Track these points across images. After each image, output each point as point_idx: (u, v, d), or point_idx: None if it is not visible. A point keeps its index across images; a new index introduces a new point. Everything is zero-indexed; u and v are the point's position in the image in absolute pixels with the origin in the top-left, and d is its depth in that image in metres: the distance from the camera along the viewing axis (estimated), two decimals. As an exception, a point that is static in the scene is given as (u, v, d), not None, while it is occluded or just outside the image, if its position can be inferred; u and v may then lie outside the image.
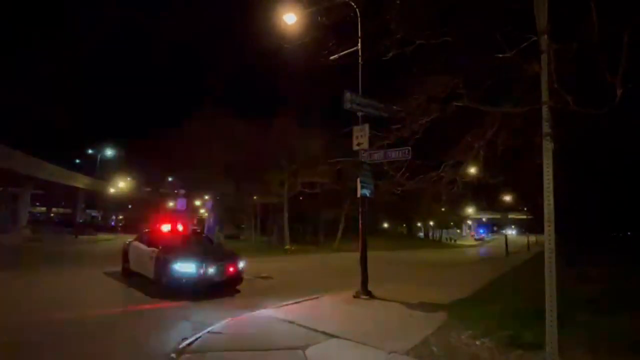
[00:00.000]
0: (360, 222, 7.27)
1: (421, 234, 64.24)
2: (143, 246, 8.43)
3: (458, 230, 75.67)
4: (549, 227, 3.47)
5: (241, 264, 7.91)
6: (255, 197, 30.64)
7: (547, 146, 3.52)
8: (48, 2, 64.14)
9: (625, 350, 3.87)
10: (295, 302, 6.41)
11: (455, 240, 63.67)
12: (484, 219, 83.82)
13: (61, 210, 57.38)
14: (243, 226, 39.17)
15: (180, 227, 9.12)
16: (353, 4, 7.47)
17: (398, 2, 6.43)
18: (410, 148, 6.96)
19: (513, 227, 67.34)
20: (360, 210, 7.29)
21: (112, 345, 4.40)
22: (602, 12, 3.97)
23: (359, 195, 7.18)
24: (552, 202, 3.47)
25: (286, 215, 27.61)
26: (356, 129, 7.23)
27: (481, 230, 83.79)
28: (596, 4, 3.94)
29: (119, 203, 51.37)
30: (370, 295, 6.85)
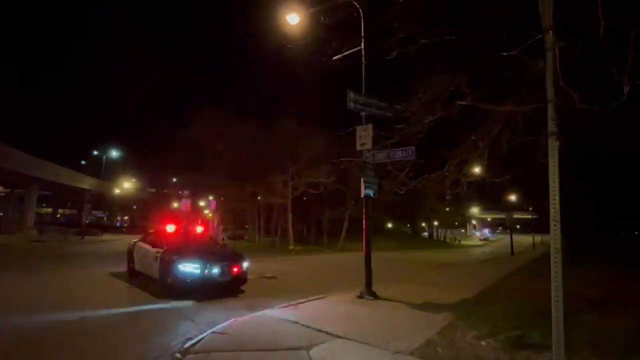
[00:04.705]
0: (364, 222, 7.25)
1: (425, 234, 64.02)
2: (148, 247, 8.47)
3: (462, 230, 75.33)
4: (554, 226, 3.43)
5: (245, 265, 7.91)
6: (259, 198, 30.71)
7: (553, 145, 3.48)
8: (61, 9, 64.82)
9: (631, 351, 3.82)
10: (300, 303, 6.41)
11: (459, 240, 63.37)
12: (488, 219, 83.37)
13: (67, 211, 57.87)
14: (247, 227, 39.28)
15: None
16: (356, 3, 7.46)
17: (401, 1, 6.41)
18: (414, 148, 6.94)
19: (518, 226, 66.85)
20: (364, 210, 7.27)
21: (116, 345, 4.41)
22: (609, 9, 3.93)
23: (362, 196, 7.16)
24: (557, 201, 3.44)
25: (290, 215, 27.64)
26: (360, 129, 7.22)
27: (485, 230, 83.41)
28: (602, 0, 3.90)
29: (124, 204, 51.76)
30: (374, 295, 6.83)
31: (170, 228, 8.90)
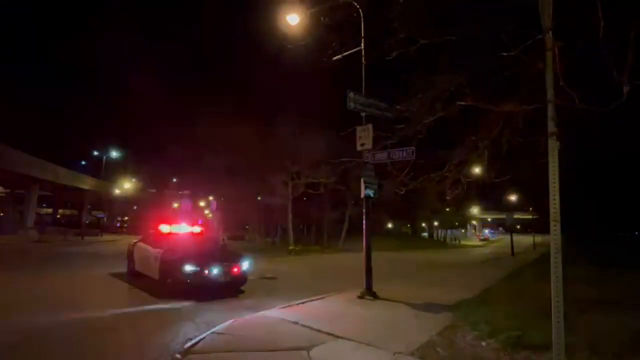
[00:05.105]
0: (364, 222, 7.25)
1: (425, 234, 63.98)
2: (148, 247, 8.47)
3: (463, 231, 75.25)
4: (554, 227, 3.43)
5: (245, 265, 7.91)
6: (259, 198, 30.73)
7: (553, 145, 3.48)
8: (60, 9, 64.93)
9: (632, 352, 3.81)
10: (300, 303, 6.41)
11: (459, 241, 63.33)
12: (489, 219, 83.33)
13: (67, 211, 57.85)
14: (247, 227, 39.31)
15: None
16: (356, 4, 7.46)
17: (401, 1, 6.42)
18: (414, 148, 6.95)
19: (518, 227, 66.84)
20: (364, 210, 7.26)
21: (116, 346, 4.42)
22: (609, 9, 3.93)
23: (362, 196, 7.16)
24: (557, 201, 3.44)
25: (290, 216, 27.64)
26: (359, 129, 7.22)
27: (485, 231, 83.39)
28: (602, 0, 3.90)
29: (125, 204, 51.74)
30: (374, 295, 6.83)
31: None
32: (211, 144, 26.42)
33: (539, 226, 41.21)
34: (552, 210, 3.45)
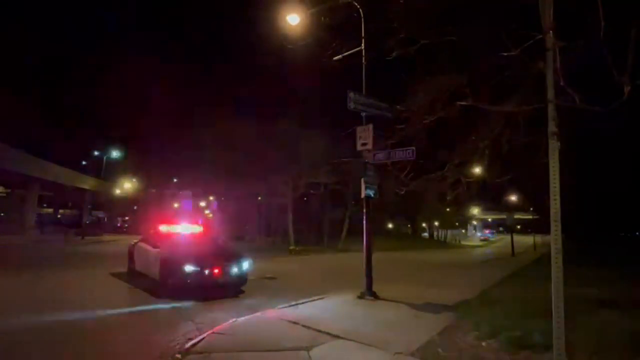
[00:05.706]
0: (364, 222, 7.25)
1: (426, 234, 63.95)
2: (148, 247, 8.48)
3: (463, 231, 75.21)
4: (555, 227, 3.43)
5: (246, 265, 7.91)
6: (260, 198, 30.74)
7: (554, 145, 3.48)
8: (60, 9, 65.04)
9: (632, 352, 3.81)
10: (300, 303, 6.41)
11: (459, 241, 63.30)
12: (489, 219, 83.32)
13: (68, 211, 57.87)
14: (247, 227, 39.33)
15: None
16: (356, 4, 7.46)
17: (401, 1, 6.42)
18: (414, 148, 6.94)
19: (518, 227, 66.74)
20: (364, 210, 7.26)
21: (117, 346, 4.42)
22: (609, 8, 3.93)
23: (363, 196, 7.16)
24: (558, 202, 3.43)
25: (290, 216, 27.65)
26: (360, 129, 7.21)
27: (486, 231, 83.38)
28: (602, 0, 3.90)
29: (125, 204, 51.79)
30: (375, 296, 6.83)
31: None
32: (212, 144, 26.45)
33: (540, 226, 41.20)
34: (552, 211, 3.45)
